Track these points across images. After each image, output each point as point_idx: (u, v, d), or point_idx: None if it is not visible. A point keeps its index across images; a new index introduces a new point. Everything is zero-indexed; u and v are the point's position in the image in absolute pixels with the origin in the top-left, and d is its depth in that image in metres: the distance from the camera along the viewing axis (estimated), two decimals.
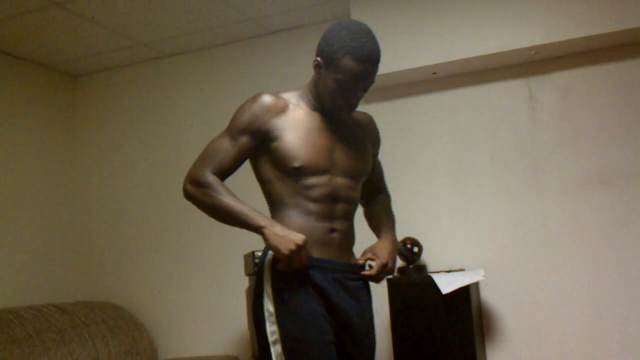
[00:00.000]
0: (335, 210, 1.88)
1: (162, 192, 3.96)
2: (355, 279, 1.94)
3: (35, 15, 3.35)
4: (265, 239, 1.77)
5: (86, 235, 4.15)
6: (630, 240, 3.08)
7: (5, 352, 2.92)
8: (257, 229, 1.79)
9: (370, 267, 1.94)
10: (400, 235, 3.31)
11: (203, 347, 3.72)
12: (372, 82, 1.90)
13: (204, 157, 1.88)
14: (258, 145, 1.88)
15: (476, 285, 3.20)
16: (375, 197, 2.17)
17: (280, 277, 1.84)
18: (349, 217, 1.94)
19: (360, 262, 1.95)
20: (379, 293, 3.27)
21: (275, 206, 1.90)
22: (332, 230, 1.88)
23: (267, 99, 1.89)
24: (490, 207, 3.33)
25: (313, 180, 1.85)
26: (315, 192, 1.85)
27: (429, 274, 3.09)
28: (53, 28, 3.53)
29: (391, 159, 3.56)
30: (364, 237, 2.10)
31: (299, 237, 1.74)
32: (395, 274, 3.25)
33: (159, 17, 3.51)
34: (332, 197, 1.87)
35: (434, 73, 3.39)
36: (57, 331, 3.22)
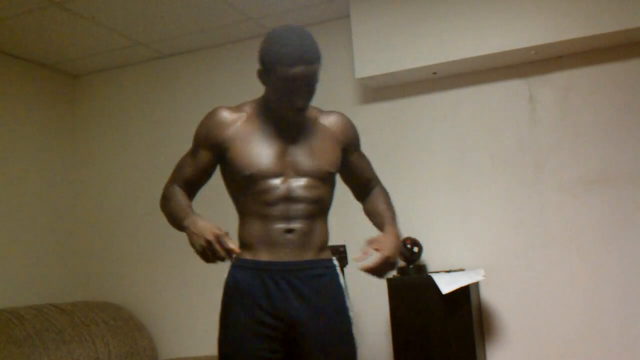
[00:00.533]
0: (291, 212, 1.89)
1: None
2: (319, 275, 1.91)
3: (35, 15, 3.35)
4: (188, 238, 1.82)
5: (86, 235, 4.15)
6: (630, 240, 3.08)
7: (5, 352, 2.92)
8: (183, 230, 1.86)
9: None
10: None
11: (203, 347, 3.72)
12: (313, 82, 1.88)
13: (172, 173, 2.06)
14: (217, 158, 1.96)
15: (476, 285, 3.20)
16: (369, 193, 2.16)
17: (226, 291, 1.92)
18: (310, 216, 1.92)
19: (362, 253, 1.90)
20: (379, 293, 3.28)
21: (240, 214, 1.97)
22: (289, 231, 1.88)
23: (220, 112, 1.96)
24: (491, 207, 3.33)
25: (265, 185, 1.88)
26: (268, 196, 1.88)
27: (429, 274, 3.09)
28: (53, 28, 3.53)
29: (391, 159, 3.57)
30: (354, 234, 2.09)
31: (209, 232, 1.74)
32: (395, 274, 3.25)
33: (159, 17, 3.51)
34: (286, 199, 1.88)
35: (434, 73, 3.39)
36: (57, 331, 3.22)
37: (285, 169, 1.90)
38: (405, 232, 3.36)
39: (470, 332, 2.97)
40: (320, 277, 1.92)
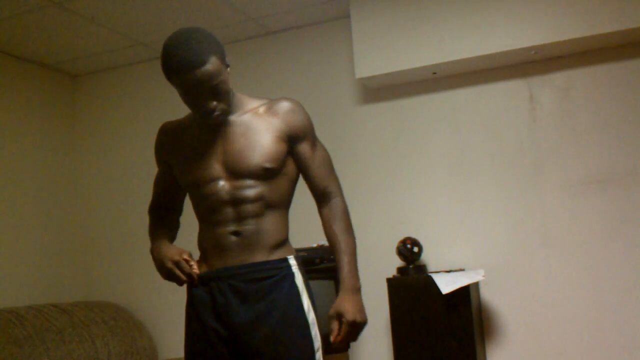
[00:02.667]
0: (234, 214, 1.85)
1: None
2: (267, 277, 1.84)
3: (35, 15, 3.35)
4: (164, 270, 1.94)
5: (86, 235, 4.15)
6: (630, 239, 3.08)
7: (5, 352, 2.92)
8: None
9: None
10: (400, 235, 3.33)
11: None
12: (209, 83, 1.75)
13: (152, 193, 2.17)
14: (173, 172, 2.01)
15: (476, 285, 3.20)
16: (325, 204, 1.95)
17: (186, 304, 1.95)
18: (255, 216, 1.85)
19: (332, 336, 1.81)
20: (379, 293, 3.27)
21: (199, 224, 1.98)
22: (234, 233, 1.85)
23: (161, 130, 2.05)
24: (490, 207, 3.33)
25: (205, 191, 1.88)
26: (210, 202, 1.87)
27: (429, 274, 3.09)
28: (53, 28, 3.53)
29: (391, 159, 3.57)
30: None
31: (169, 259, 1.86)
32: (395, 273, 3.25)
33: (159, 17, 3.51)
34: (227, 202, 1.85)
35: (434, 73, 3.39)
36: (57, 331, 3.22)
37: (221, 172, 1.87)
38: (405, 232, 3.37)
39: (470, 332, 2.97)
40: (268, 278, 1.84)
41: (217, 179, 1.86)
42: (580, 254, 3.15)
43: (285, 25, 3.72)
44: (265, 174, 1.85)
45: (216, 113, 1.81)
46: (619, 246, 3.09)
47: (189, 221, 2.08)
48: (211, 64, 1.74)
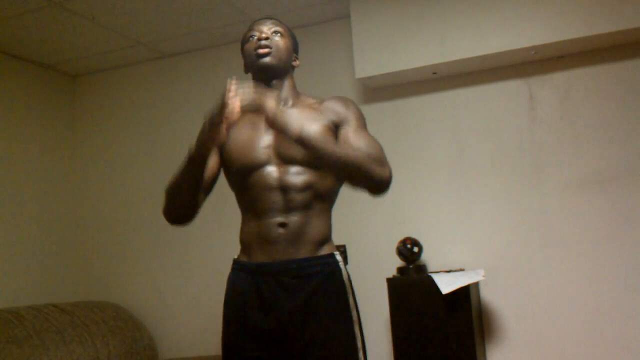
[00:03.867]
0: (282, 202, 1.84)
1: (162, 192, 3.95)
2: (315, 273, 1.84)
3: (35, 15, 3.35)
4: (204, 127, 1.75)
5: (86, 235, 4.15)
6: (630, 240, 3.08)
7: (5, 352, 2.92)
8: (200, 141, 1.77)
9: None
10: (400, 235, 3.33)
11: (203, 347, 3.72)
12: (275, 27, 1.98)
13: None
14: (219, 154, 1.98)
15: (476, 285, 3.20)
16: None
17: (226, 293, 1.92)
18: (304, 207, 1.85)
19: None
20: (379, 293, 3.28)
21: (241, 214, 1.96)
22: (281, 225, 1.84)
23: None
24: (491, 207, 3.33)
25: (253, 177, 1.87)
26: (257, 189, 1.86)
27: (429, 274, 3.09)
28: (53, 28, 3.53)
29: (391, 159, 3.55)
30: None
31: (222, 98, 1.72)
32: (395, 273, 3.25)
33: (159, 17, 3.51)
34: (275, 189, 1.84)
35: (434, 73, 3.39)
36: (57, 331, 3.22)
37: (271, 158, 1.88)
38: (405, 232, 3.37)
39: (470, 332, 2.97)
40: (316, 275, 1.84)
41: (266, 164, 1.87)
42: (580, 254, 3.15)
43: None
44: (312, 160, 1.82)
45: (264, 43, 1.91)
46: (619, 246, 3.09)
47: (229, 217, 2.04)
48: (285, 28, 2.01)
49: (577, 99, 3.23)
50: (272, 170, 1.86)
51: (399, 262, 3.28)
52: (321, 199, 1.90)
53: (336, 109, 1.95)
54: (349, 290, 1.89)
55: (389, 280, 3.14)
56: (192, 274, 3.86)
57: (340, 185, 1.98)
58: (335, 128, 1.91)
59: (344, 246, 3.27)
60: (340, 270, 1.89)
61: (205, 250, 3.82)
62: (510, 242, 3.27)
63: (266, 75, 1.95)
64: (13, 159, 3.79)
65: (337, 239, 3.31)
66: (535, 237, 3.23)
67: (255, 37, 1.95)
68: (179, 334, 3.86)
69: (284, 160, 1.87)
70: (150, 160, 4.06)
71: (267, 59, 1.92)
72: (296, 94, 2.01)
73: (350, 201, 3.59)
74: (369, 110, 3.76)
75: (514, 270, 3.25)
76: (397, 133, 3.53)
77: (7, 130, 3.78)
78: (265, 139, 1.90)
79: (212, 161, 1.94)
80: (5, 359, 2.90)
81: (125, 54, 4.01)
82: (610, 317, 3.07)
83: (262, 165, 1.87)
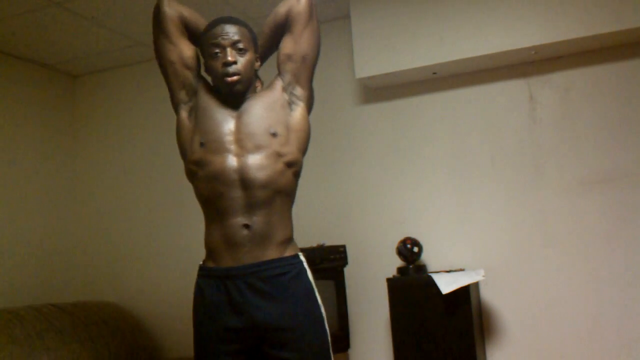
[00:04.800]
0: (244, 200, 1.85)
1: (162, 192, 3.96)
2: (282, 273, 1.85)
3: (35, 15, 3.35)
4: None
5: (86, 235, 4.15)
6: (630, 240, 3.08)
7: (5, 352, 2.92)
8: None
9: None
10: (400, 235, 3.33)
11: None
12: (236, 39, 1.96)
13: None
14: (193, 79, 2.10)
15: (476, 285, 3.20)
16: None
17: (194, 301, 1.93)
18: (265, 205, 1.86)
19: None
20: (379, 293, 3.28)
21: (205, 220, 1.96)
22: (245, 226, 1.84)
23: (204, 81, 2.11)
24: (491, 207, 3.33)
25: (215, 164, 1.89)
26: (218, 183, 1.88)
27: (429, 274, 3.09)
28: (53, 28, 3.53)
29: (391, 159, 3.57)
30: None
31: None
32: (395, 273, 3.25)
33: None
34: (236, 185, 1.86)
35: (434, 73, 3.39)
36: (57, 331, 3.22)
37: (233, 145, 1.90)
38: (405, 232, 3.37)
39: (470, 332, 2.96)
40: (284, 274, 1.85)
41: (228, 152, 1.88)
42: (580, 254, 3.15)
43: None
44: (276, 149, 1.89)
45: (232, 70, 1.90)
46: (619, 246, 3.09)
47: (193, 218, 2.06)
48: (244, 30, 2.00)
49: (577, 99, 3.23)
50: (233, 161, 1.87)
51: (399, 262, 3.28)
52: (282, 196, 1.91)
53: (276, 80, 2.04)
54: (315, 289, 1.92)
55: (389, 280, 3.14)
56: (192, 274, 3.85)
57: (297, 175, 1.99)
58: (282, 90, 2.01)
59: (344, 246, 3.27)
60: (305, 270, 1.92)
61: (205, 250, 3.81)
62: (510, 242, 3.27)
63: (236, 96, 1.97)
64: (13, 159, 3.79)
65: (337, 239, 3.33)
66: (535, 237, 3.23)
67: (220, 57, 1.93)
68: (179, 334, 3.85)
69: (245, 149, 1.88)
70: (150, 160, 4.06)
71: (237, 87, 1.94)
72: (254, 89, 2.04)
73: (350, 201, 3.59)
74: (369, 110, 3.78)
75: (514, 270, 3.25)
76: (397, 133, 3.53)
77: (7, 130, 3.78)
78: (230, 125, 1.93)
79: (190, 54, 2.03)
80: (5, 359, 2.90)
81: (125, 54, 4.01)
82: (610, 316, 3.07)
83: (224, 147, 1.88)
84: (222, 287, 1.85)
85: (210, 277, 1.89)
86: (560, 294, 3.16)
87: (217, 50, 1.93)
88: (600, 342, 3.08)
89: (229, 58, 1.91)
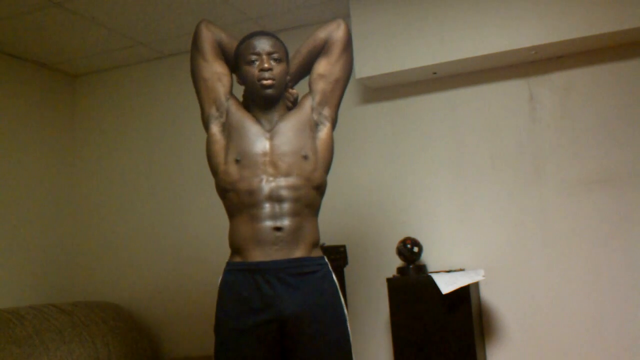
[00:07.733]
0: (275, 210, 1.96)
1: (162, 192, 3.96)
2: (312, 272, 1.96)
3: (35, 15, 3.35)
4: None
5: (86, 235, 4.15)
6: (630, 240, 3.08)
7: (5, 352, 2.92)
8: None
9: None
10: (400, 235, 3.33)
11: (203, 347, 3.72)
12: (273, 50, 2.08)
13: None
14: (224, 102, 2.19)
15: (476, 285, 3.20)
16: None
17: (220, 294, 1.99)
18: (294, 215, 1.97)
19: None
20: (379, 293, 3.28)
21: (232, 219, 2.04)
22: (277, 229, 1.94)
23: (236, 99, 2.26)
24: (491, 207, 3.33)
25: (246, 180, 2.00)
26: (249, 196, 1.98)
27: (429, 274, 3.09)
28: (53, 28, 3.53)
29: (391, 159, 3.57)
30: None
31: None
32: (395, 273, 3.25)
33: (159, 17, 3.51)
34: (266, 199, 1.96)
35: (434, 73, 3.39)
36: (57, 331, 3.22)
37: (267, 166, 2.01)
38: (406, 232, 3.37)
39: (470, 332, 2.97)
40: (313, 273, 1.96)
41: (262, 173, 1.99)
42: (580, 254, 3.15)
43: (284, 25, 3.71)
44: (307, 173, 2.03)
45: (268, 74, 2.03)
46: (619, 246, 3.09)
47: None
48: (279, 43, 2.12)
49: (577, 99, 3.23)
50: (266, 181, 1.97)
51: (399, 262, 3.28)
52: (310, 208, 2.03)
53: (305, 99, 2.18)
54: (339, 292, 2.02)
55: (389, 280, 3.14)
56: (192, 274, 3.86)
57: (323, 193, 2.11)
58: (311, 111, 2.13)
59: (344, 246, 3.26)
60: (331, 272, 2.02)
61: (205, 251, 3.82)
62: (510, 242, 3.27)
63: (269, 103, 2.08)
64: (13, 159, 3.79)
65: (337, 239, 3.33)
66: (535, 237, 3.23)
67: (257, 64, 2.06)
68: (179, 334, 3.86)
69: (278, 171, 1.99)
70: (150, 160, 4.06)
71: (270, 91, 2.05)
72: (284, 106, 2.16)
73: (350, 201, 3.59)
74: (369, 110, 3.78)
75: (514, 270, 3.25)
76: (397, 133, 3.53)
77: (7, 130, 3.78)
78: (265, 145, 2.03)
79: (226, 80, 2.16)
80: (5, 359, 2.90)
81: (125, 54, 4.01)
82: (610, 316, 3.07)
83: (259, 167, 1.98)
84: (251, 280, 1.91)
85: (239, 271, 1.95)
86: (560, 294, 3.16)
87: (254, 58, 2.07)
88: (600, 342, 3.08)
89: (266, 65, 2.03)
